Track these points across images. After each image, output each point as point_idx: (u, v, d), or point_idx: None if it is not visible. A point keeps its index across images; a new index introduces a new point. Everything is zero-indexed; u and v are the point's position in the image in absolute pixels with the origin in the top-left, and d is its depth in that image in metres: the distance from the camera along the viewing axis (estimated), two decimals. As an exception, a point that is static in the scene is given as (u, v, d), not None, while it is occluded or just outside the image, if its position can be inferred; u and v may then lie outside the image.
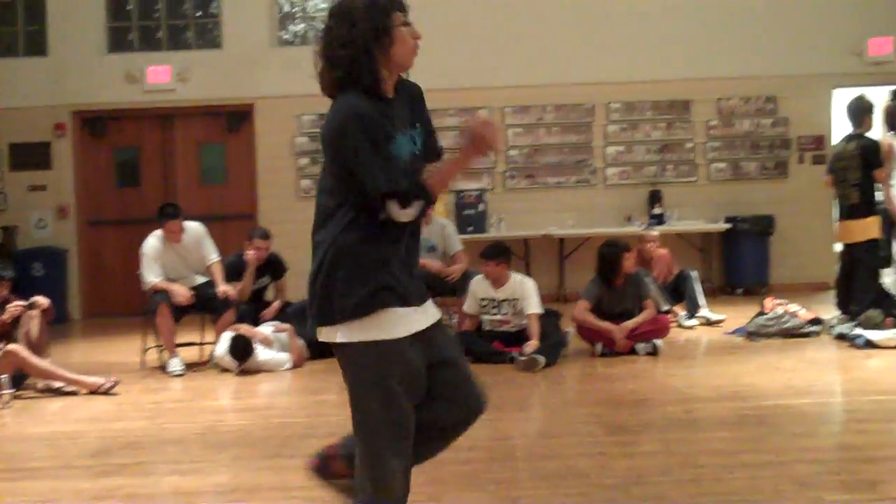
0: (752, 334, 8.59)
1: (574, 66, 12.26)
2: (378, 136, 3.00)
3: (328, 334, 3.13)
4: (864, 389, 6.71)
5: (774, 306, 8.83)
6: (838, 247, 13.22)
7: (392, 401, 3.10)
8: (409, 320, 3.12)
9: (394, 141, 3.06)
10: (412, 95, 3.25)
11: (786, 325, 8.58)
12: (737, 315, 9.51)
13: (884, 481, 4.42)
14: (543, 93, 12.44)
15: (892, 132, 9.51)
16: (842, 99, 12.49)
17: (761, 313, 8.80)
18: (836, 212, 9.19)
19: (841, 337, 8.26)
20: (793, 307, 8.82)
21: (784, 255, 12.20)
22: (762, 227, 12.05)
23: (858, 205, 8.70)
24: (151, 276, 8.27)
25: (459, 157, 3.09)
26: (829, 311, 9.02)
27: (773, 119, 12.51)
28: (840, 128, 12.49)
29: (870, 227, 8.66)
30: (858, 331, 8.10)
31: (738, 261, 12.16)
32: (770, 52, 12.30)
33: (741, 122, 12.54)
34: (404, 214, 3.02)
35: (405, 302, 3.11)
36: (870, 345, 7.87)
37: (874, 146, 8.74)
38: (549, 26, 12.32)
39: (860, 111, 8.85)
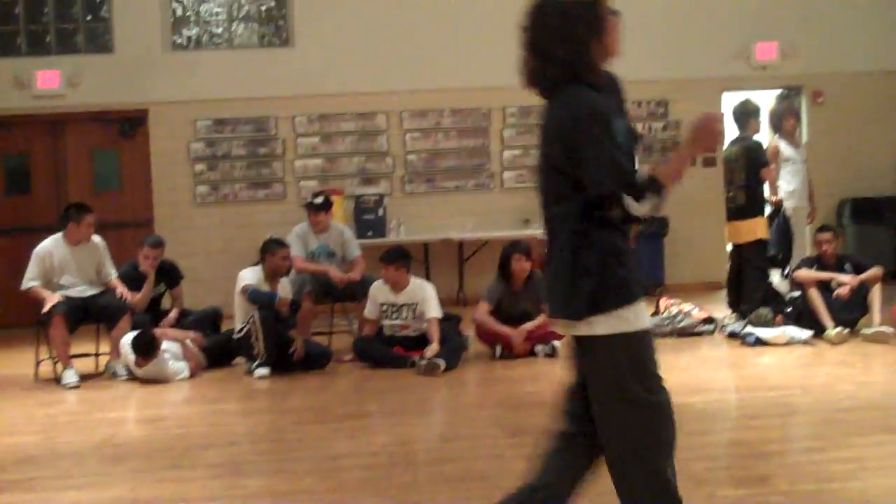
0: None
1: (470, 71, 12.32)
2: (612, 130, 2.96)
3: (582, 328, 3.01)
4: (754, 386, 6.91)
5: (669, 306, 9.02)
6: (730, 247, 13.58)
7: (662, 388, 3.05)
8: (646, 313, 3.10)
9: (616, 132, 2.99)
10: (612, 83, 3.26)
11: (680, 325, 8.77)
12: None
13: (774, 475, 4.56)
14: (440, 97, 12.49)
15: (777, 135, 9.83)
16: (731, 102, 12.82)
17: (656, 313, 8.97)
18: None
19: (733, 335, 8.47)
20: (686, 307, 9.02)
21: (678, 255, 12.45)
22: (657, 228, 12.28)
23: (745, 206, 9.00)
24: (30, 278, 8.10)
25: (684, 151, 3.08)
26: (722, 310, 9.25)
27: (665, 122, 12.77)
28: (729, 131, 12.82)
29: (757, 228, 8.96)
30: (749, 329, 8.33)
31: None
32: (661, 55, 12.53)
33: (634, 125, 12.73)
34: (639, 209, 2.95)
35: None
36: (760, 342, 8.10)
37: (758, 146, 9.11)
38: (445, 31, 12.38)
39: (745, 115, 9.17)
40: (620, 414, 3.03)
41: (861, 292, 8.30)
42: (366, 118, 12.50)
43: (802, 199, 10.03)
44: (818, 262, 8.59)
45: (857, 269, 8.44)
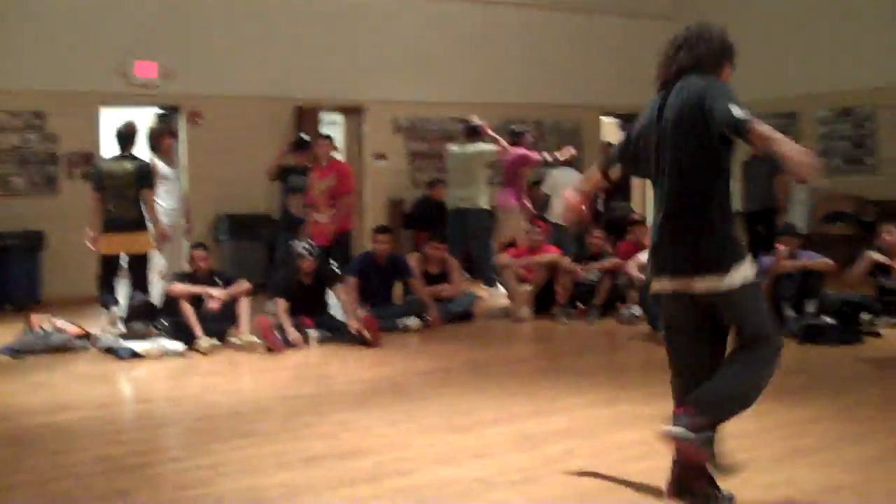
0: (16, 352, 8.42)
1: None
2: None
3: (733, 279, 3.94)
4: (126, 400, 6.98)
5: (40, 322, 8.76)
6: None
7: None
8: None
9: None
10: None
11: (53, 342, 8.55)
12: (5, 332, 9.25)
13: (135, 488, 4.64)
14: None
15: (154, 154, 10.06)
16: (108, 117, 12.79)
17: (28, 330, 8.68)
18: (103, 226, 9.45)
19: (108, 350, 8.45)
20: (60, 322, 8.83)
21: (56, 270, 12.11)
22: (32, 243, 11.86)
23: (138, 219, 9.25)
24: None
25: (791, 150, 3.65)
26: (99, 325, 9.18)
27: (42, 134, 12.36)
28: (108, 145, 12.77)
29: (146, 241, 9.50)
30: (123, 343, 8.38)
31: (7, 277, 11.81)
32: (36, 67, 12.15)
33: (8, 136, 12.19)
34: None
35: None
36: (135, 356, 8.17)
37: (148, 167, 9.50)
38: None
39: (131, 135, 9.44)
40: (763, 330, 4.01)
41: (231, 304, 8.73)
42: None
43: (180, 216, 10.34)
44: (191, 276, 8.89)
45: (227, 284, 8.87)
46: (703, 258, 3.96)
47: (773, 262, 8.84)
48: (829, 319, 8.42)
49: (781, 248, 8.86)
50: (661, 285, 4.15)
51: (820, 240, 13.80)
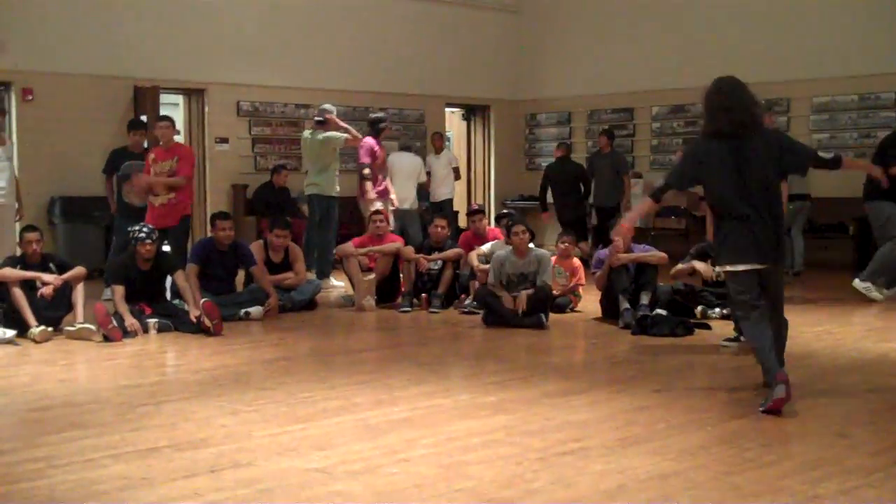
0: None
1: None
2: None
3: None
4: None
5: None
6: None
7: None
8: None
9: None
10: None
11: None
12: None
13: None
14: None
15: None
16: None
17: None
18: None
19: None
20: None
21: None
22: None
23: None
24: None
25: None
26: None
27: None
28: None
29: None
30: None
31: None
32: None
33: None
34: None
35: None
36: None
37: None
38: None
39: None
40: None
41: (65, 290, 8.47)
42: None
43: (11, 196, 9.98)
44: (22, 261, 8.58)
45: (61, 269, 8.60)
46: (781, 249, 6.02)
47: (609, 254, 9.10)
48: (662, 311, 8.72)
49: (617, 240, 9.14)
50: (745, 265, 5.90)
51: (655, 233, 14.32)
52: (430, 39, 16.49)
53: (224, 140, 14.45)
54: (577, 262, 9.98)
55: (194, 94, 14.41)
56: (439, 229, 10.37)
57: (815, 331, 8.52)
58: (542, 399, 6.04)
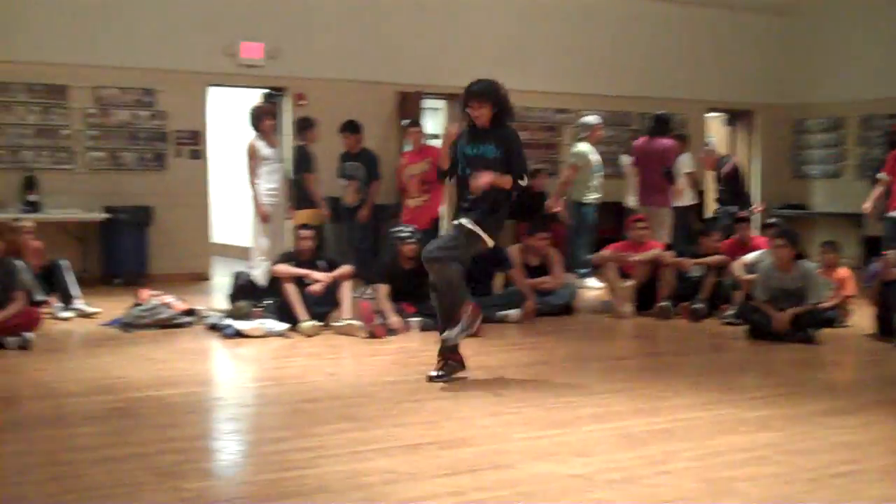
0: (126, 325, 8.64)
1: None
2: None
3: None
4: (229, 377, 7.08)
5: (149, 297, 8.96)
6: (219, 238, 13.87)
7: None
8: None
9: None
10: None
11: (160, 316, 8.74)
12: (115, 306, 9.48)
13: (241, 466, 4.72)
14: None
15: (256, 134, 10.18)
16: (217, 97, 13.04)
17: (136, 304, 8.89)
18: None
19: (213, 327, 8.60)
20: (168, 298, 9.02)
21: (162, 246, 12.38)
22: (141, 218, 12.14)
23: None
24: None
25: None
26: (204, 302, 9.35)
27: (152, 112, 12.62)
28: (214, 124, 13.03)
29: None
30: (228, 321, 8.51)
31: (116, 251, 12.12)
32: (149, 44, 12.41)
33: (119, 112, 12.47)
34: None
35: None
36: (239, 335, 8.30)
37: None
38: None
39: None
40: None
41: (333, 287, 8.80)
42: None
43: (283, 197, 10.46)
44: (295, 258, 8.99)
45: (330, 267, 8.95)
46: None
47: (882, 267, 8.59)
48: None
49: (890, 254, 8.60)
50: None
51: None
52: (689, 43, 16.12)
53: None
54: (844, 272, 9.47)
55: (456, 99, 14.66)
56: (712, 241, 10.14)
57: None
58: (810, 417, 5.75)
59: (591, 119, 12.07)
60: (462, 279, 6.66)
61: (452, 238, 6.67)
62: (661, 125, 11.87)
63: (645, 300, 9.91)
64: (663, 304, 9.68)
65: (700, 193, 14.04)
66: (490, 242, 6.68)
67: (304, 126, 11.76)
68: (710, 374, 7.30)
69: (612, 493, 4.32)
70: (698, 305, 9.60)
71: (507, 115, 6.66)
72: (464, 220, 6.54)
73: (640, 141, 12.01)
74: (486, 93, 6.56)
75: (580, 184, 12.22)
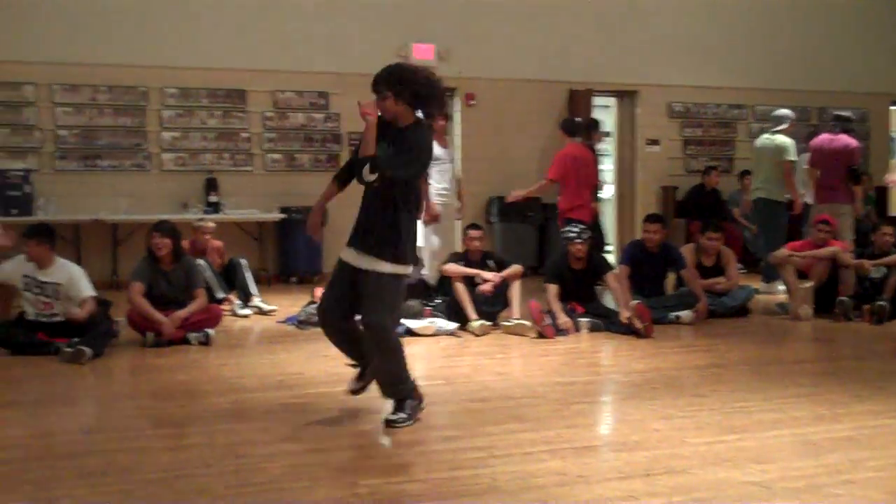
0: (302, 323, 8.85)
1: (127, 48, 11.96)
2: None
3: None
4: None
5: (323, 295, 9.13)
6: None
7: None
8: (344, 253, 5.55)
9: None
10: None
11: (334, 314, 8.90)
12: (290, 304, 9.74)
13: (412, 464, 4.78)
14: (95, 72, 12.00)
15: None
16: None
17: (311, 302, 9.09)
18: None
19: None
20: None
21: (336, 245, 12.57)
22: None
23: None
24: None
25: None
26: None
27: (326, 114, 12.93)
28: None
29: None
30: (398, 320, 8.61)
31: (292, 250, 12.45)
32: (323, 49, 12.71)
33: (295, 115, 12.83)
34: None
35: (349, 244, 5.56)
36: (410, 333, 8.38)
37: None
38: (99, 4, 11.94)
39: None
40: None
41: (502, 287, 8.81)
42: (9, 88, 11.82)
43: (453, 196, 10.52)
44: (464, 257, 9.03)
45: (499, 266, 8.96)
46: None
47: None
48: None
49: None
50: None
51: None
52: (873, 33, 15.47)
53: (654, 142, 14.44)
54: None
55: (626, 97, 14.52)
56: (886, 237, 9.70)
57: None
58: None
59: (788, 112, 11.51)
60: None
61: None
62: (842, 123, 11.35)
63: (824, 302, 9.54)
64: (844, 298, 9.31)
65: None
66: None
67: (591, 126, 11.63)
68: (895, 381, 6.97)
69: (793, 501, 4.17)
70: (881, 303, 9.18)
71: (424, 107, 5.39)
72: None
73: (821, 139, 11.48)
74: (381, 81, 5.37)
75: (775, 181, 11.34)
